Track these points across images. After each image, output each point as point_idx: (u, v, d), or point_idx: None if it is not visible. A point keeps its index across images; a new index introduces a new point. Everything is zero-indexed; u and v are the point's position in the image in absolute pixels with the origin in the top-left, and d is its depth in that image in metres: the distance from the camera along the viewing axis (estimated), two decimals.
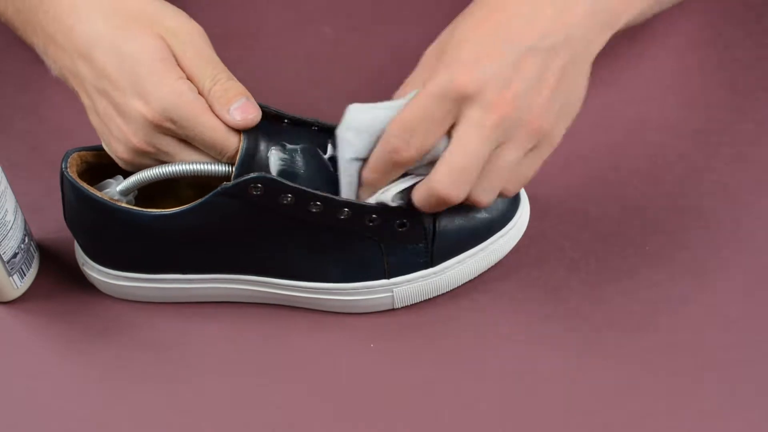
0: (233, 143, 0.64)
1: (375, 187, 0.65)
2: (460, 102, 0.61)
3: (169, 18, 0.66)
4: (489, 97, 0.61)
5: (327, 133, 0.66)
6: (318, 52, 0.84)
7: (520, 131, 0.62)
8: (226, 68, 0.66)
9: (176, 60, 0.65)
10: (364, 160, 0.64)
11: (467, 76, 0.61)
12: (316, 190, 0.65)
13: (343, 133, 0.64)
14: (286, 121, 0.67)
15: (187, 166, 0.66)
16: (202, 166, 0.65)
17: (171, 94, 0.63)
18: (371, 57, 0.83)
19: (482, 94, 0.61)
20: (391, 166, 0.64)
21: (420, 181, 0.64)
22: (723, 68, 0.82)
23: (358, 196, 0.66)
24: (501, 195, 0.65)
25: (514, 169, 0.63)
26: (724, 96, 0.81)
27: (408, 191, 0.65)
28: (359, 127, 0.64)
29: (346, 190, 0.66)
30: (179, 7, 0.68)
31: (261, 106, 0.65)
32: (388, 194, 0.65)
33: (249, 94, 0.65)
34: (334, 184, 0.66)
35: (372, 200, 0.66)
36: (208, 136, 0.64)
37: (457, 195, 0.62)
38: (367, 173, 0.65)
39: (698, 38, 0.84)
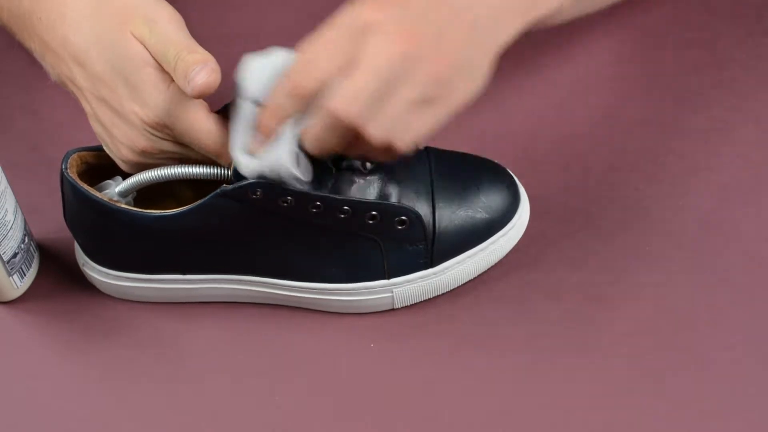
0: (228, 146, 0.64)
1: (270, 130, 0.62)
2: (364, 31, 0.60)
3: (143, 8, 0.65)
4: (392, 28, 0.60)
5: None
6: None
7: (419, 71, 0.60)
8: (189, 44, 0.64)
9: (153, 55, 0.64)
10: (260, 106, 0.63)
11: (373, 8, 0.60)
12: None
13: (240, 75, 0.63)
14: None
15: (186, 169, 0.66)
16: (200, 170, 0.66)
17: (165, 102, 0.64)
18: None
19: (386, 25, 0.60)
20: (287, 103, 0.61)
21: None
22: (723, 68, 0.82)
23: (249, 145, 0.64)
24: (390, 150, 0.62)
25: (406, 115, 0.61)
26: (724, 96, 0.81)
27: (302, 157, 0.63)
28: (257, 69, 0.63)
29: (238, 138, 0.63)
30: (180, 7, 0.68)
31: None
32: (281, 154, 0.63)
33: (210, 59, 0.63)
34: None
35: (268, 170, 0.63)
36: (204, 142, 0.64)
37: (350, 111, 0.60)
38: (263, 113, 0.62)
39: (698, 38, 0.84)
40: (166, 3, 0.66)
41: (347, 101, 0.60)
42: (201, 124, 0.64)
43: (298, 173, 0.64)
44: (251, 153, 0.63)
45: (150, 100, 0.64)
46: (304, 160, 0.64)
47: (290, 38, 0.85)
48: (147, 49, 0.64)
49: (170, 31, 0.65)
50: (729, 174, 0.77)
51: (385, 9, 0.60)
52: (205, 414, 0.68)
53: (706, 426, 0.66)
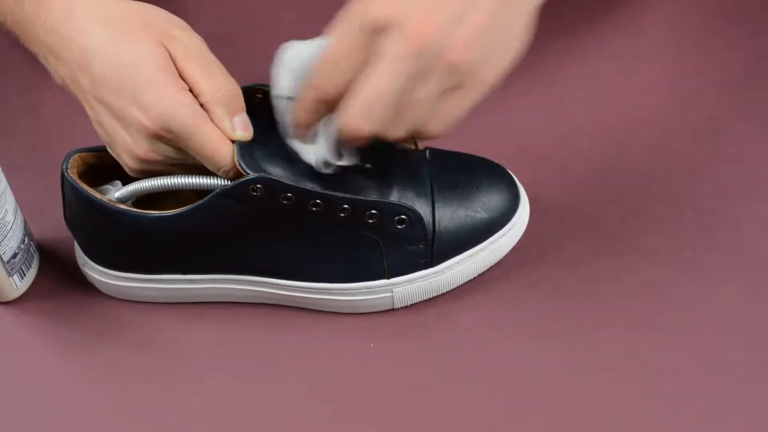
0: (230, 155, 0.65)
1: (305, 127, 0.64)
2: (376, 33, 0.59)
3: (171, 24, 0.66)
4: (404, 27, 0.58)
5: None
6: None
7: (437, 65, 0.59)
8: (230, 79, 0.65)
9: (178, 63, 0.64)
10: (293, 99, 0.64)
11: (381, 6, 0.59)
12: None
13: (274, 70, 0.64)
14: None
15: (185, 180, 0.66)
16: (198, 180, 0.66)
17: (171, 106, 0.63)
18: None
19: (397, 24, 0.58)
20: (316, 105, 0.62)
21: None
22: (723, 68, 0.82)
23: (289, 135, 0.65)
24: (421, 135, 0.62)
25: (432, 106, 0.60)
26: (724, 96, 0.81)
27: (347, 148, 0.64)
28: (288, 64, 0.63)
29: (282, 128, 0.65)
30: (181, 6, 0.68)
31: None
32: (323, 147, 0.64)
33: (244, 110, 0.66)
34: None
35: (311, 157, 0.65)
36: (207, 149, 0.64)
37: (364, 128, 0.60)
38: (296, 112, 0.64)
39: (698, 38, 0.84)
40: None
41: (356, 116, 0.60)
42: (205, 131, 0.64)
43: (342, 163, 0.65)
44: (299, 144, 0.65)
45: (155, 104, 0.63)
46: (347, 148, 0.65)
47: (290, 38, 0.85)
48: (179, 62, 0.64)
49: (210, 54, 0.65)
50: (729, 174, 0.77)
51: (396, 2, 0.59)
52: (205, 414, 0.68)
53: (706, 426, 0.66)
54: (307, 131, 0.64)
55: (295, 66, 0.64)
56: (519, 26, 0.61)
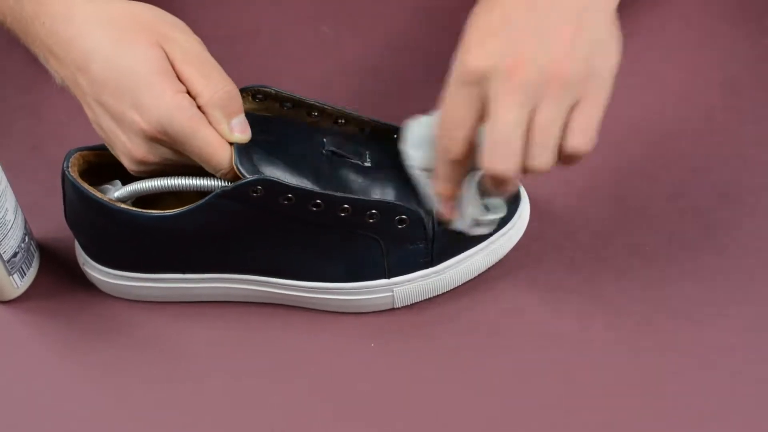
0: (228, 157, 0.65)
1: (449, 196, 0.66)
2: (479, 83, 0.61)
3: (169, 26, 0.66)
4: (502, 66, 0.61)
5: (323, 131, 0.68)
6: (318, 52, 0.84)
7: (549, 86, 0.61)
8: (228, 80, 0.65)
9: (176, 65, 0.64)
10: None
11: (475, 56, 0.61)
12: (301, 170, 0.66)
13: (403, 148, 0.67)
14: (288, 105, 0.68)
15: (185, 181, 0.66)
16: (199, 181, 0.66)
17: (169, 109, 0.63)
18: (371, 57, 0.83)
19: (495, 66, 0.61)
20: (450, 168, 0.64)
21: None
22: (723, 68, 0.82)
23: (435, 207, 0.67)
24: (571, 155, 0.63)
25: (562, 124, 0.62)
26: (724, 96, 0.81)
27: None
28: (415, 137, 0.66)
29: (426, 201, 0.68)
30: (181, 6, 0.68)
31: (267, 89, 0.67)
32: (474, 209, 0.66)
33: (242, 111, 0.66)
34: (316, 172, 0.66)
35: (467, 226, 0.67)
36: (205, 153, 0.64)
37: (506, 168, 0.62)
38: (435, 183, 0.66)
39: (698, 38, 0.84)
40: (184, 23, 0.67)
41: (494, 160, 0.61)
42: (203, 134, 0.64)
43: (492, 217, 0.67)
44: (450, 221, 0.67)
45: (152, 107, 0.63)
46: (493, 201, 0.67)
47: (290, 38, 0.85)
48: (176, 63, 0.64)
49: (207, 54, 0.66)
50: (729, 174, 0.77)
51: (488, 50, 0.61)
52: (205, 413, 0.68)
53: (706, 426, 0.66)
54: (453, 201, 0.66)
55: (421, 137, 0.66)
56: (606, 27, 0.63)
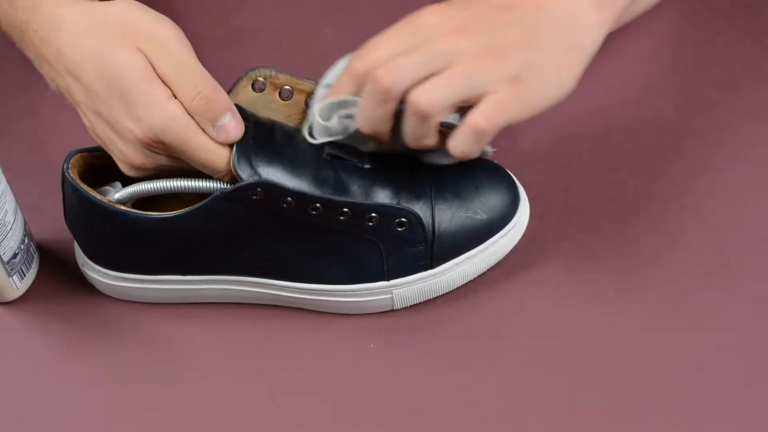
0: (225, 161, 0.64)
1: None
2: (429, 38, 0.64)
3: (151, 26, 0.65)
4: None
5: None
6: (318, 52, 0.84)
7: (449, 39, 0.64)
8: (209, 76, 0.64)
9: (156, 70, 0.64)
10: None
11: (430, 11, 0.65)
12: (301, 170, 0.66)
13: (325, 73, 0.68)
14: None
15: (185, 183, 0.66)
16: (198, 183, 0.66)
17: (161, 120, 0.63)
18: None
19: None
20: (343, 80, 0.66)
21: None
22: (723, 68, 0.82)
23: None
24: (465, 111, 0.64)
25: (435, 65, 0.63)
26: (724, 96, 0.80)
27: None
28: (338, 66, 0.68)
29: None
30: (180, 7, 0.67)
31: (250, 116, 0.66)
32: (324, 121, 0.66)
33: (233, 107, 0.65)
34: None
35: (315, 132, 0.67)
36: (201, 158, 0.64)
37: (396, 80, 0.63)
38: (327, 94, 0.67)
39: (697, 38, 0.84)
40: (171, 21, 0.66)
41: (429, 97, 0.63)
42: (198, 141, 0.64)
43: (327, 124, 0.66)
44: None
45: (145, 117, 0.63)
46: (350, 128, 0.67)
47: (290, 38, 0.85)
48: (155, 67, 0.63)
49: (184, 55, 0.64)
50: (729, 174, 0.77)
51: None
52: (205, 414, 0.68)
53: (706, 426, 0.67)
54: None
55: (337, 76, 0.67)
56: (569, 63, 0.66)
